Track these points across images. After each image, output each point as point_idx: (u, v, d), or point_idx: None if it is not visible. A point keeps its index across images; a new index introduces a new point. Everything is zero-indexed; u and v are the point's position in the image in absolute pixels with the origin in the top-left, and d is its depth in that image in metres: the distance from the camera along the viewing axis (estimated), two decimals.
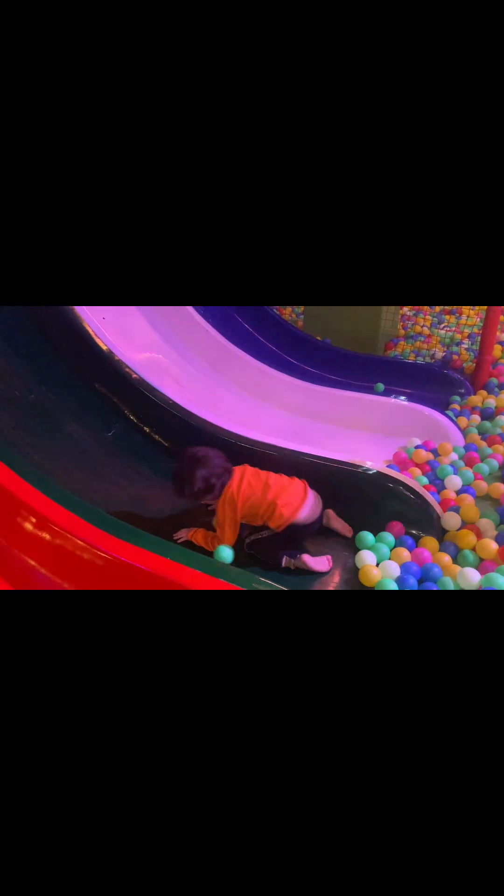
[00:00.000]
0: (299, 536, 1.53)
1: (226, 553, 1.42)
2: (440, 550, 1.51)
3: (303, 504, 1.48)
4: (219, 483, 1.47)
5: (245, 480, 1.48)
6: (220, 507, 1.49)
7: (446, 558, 1.46)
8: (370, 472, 1.64)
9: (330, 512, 1.61)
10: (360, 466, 1.66)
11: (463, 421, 2.31)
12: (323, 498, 1.56)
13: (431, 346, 3.22)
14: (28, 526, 1.17)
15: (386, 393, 2.61)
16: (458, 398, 2.56)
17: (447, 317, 4.01)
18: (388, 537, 1.53)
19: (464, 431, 2.25)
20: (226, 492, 1.47)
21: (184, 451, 1.53)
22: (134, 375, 1.90)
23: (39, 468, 1.47)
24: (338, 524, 1.61)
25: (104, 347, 1.91)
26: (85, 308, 1.94)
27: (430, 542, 1.52)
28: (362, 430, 2.38)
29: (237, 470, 1.51)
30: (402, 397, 2.52)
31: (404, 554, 1.47)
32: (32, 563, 1.16)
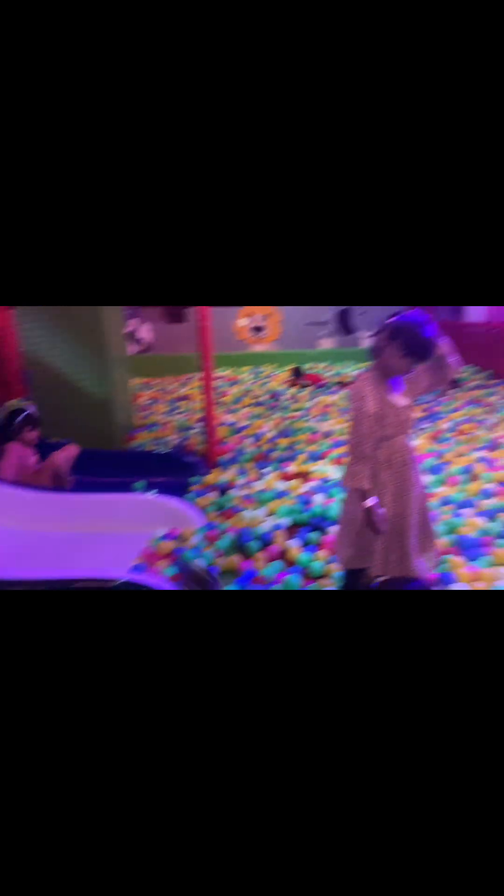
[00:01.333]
0: None
1: None
2: None
3: None
4: None
5: None
6: None
7: None
8: (115, 585, 1.59)
9: None
10: (107, 580, 1.59)
11: (203, 501, 2.52)
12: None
13: (168, 433, 3.47)
14: None
15: (132, 487, 2.65)
16: (197, 479, 2.80)
17: (179, 403, 4.43)
18: None
19: (205, 510, 2.45)
20: None
21: None
22: None
23: None
24: None
25: None
26: None
27: None
28: (112, 532, 2.32)
29: None
30: (155, 491, 2.58)
31: None
32: None
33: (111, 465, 2.85)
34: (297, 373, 5.20)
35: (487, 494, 2.37)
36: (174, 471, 2.89)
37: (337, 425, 3.61)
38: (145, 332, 6.54)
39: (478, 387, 4.64)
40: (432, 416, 3.79)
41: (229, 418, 3.85)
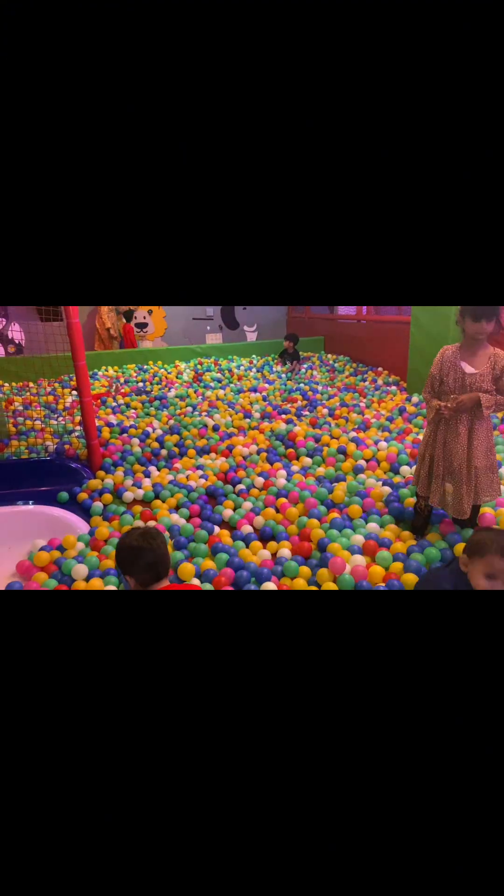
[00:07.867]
0: None
1: None
2: None
3: None
4: None
5: None
6: None
7: None
8: None
9: None
10: None
11: (97, 506, 2.38)
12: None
13: (45, 439, 3.24)
14: None
15: (7, 499, 2.43)
16: (78, 487, 2.64)
17: (60, 406, 4.16)
18: None
19: (90, 515, 2.34)
20: None
21: None
22: None
23: None
24: None
25: None
26: None
27: None
28: None
29: None
30: (30, 502, 2.39)
31: None
32: None
33: None
34: None
35: (360, 469, 2.60)
36: (54, 478, 2.72)
37: (225, 418, 3.66)
38: (16, 332, 6.02)
39: (352, 374, 5.03)
40: (312, 404, 4.03)
41: (113, 419, 3.71)
